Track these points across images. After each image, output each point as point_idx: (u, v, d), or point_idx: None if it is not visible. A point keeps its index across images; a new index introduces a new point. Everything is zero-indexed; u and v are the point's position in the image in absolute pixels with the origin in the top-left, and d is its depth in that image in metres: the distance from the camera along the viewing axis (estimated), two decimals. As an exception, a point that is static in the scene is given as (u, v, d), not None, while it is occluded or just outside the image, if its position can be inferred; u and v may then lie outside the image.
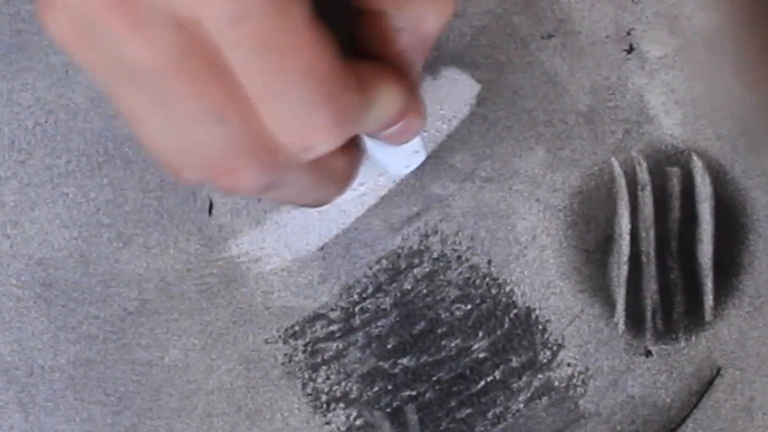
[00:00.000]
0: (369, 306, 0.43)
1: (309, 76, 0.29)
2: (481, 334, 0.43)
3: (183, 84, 0.29)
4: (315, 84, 0.29)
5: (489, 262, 0.43)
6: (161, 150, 0.31)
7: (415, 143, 0.42)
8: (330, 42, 0.29)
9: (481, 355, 0.43)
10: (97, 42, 0.28)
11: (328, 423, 0.43)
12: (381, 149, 0.39)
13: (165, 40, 0.28)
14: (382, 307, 0.43)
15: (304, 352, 0.43)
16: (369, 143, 0.38)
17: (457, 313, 0.43)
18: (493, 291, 0.43)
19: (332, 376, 0.43)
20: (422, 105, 0.36)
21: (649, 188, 0.44)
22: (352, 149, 0.35)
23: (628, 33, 0.44)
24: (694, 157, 0.44)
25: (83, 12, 0.28)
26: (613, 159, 0.44)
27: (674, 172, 0.44)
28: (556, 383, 0.43)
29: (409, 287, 0.43)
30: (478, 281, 0.43)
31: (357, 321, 0.43)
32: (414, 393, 0.43)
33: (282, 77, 0.28)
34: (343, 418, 0.43)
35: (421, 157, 0.43)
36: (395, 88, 0.33)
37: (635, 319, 0.44)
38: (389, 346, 0.43)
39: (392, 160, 0.42)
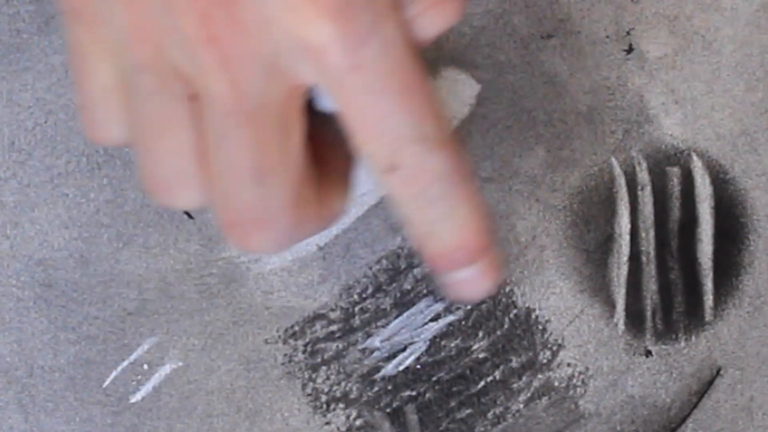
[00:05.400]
0: (369, 306, 0.43)
1: (412, 95, 0.29)
2: (480, 334, 0.43)
3: (248, 133, 0.28)
4: (419, 98, 0.29)
5: (489, 262, 0.43)
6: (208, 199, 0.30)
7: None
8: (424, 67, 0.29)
9: (481, 356, 0.43)
10: (178, 65, 0.28)
11: (328, 423, 0.43)
12: None
13: (251, 86, 0.27)
14: (382, 307, 0.43)
15: (304, 352, 0.43)
16: None
17: (457, 313, 0.43)
18: (493, 291, 0.43)
19: (332, 377, 0.43)
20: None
21: (648, 188, 0.44)
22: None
23: (628, 33, 0.44)
24: (694, 157, 0.44)
25: (178, 33, 0.27)
26: (612, 159, 0.44)
27: (674, 172, 0.44)
28: (556, 383, 0.43)
29: (409, 287, 0.43)
30: (478, 281, 0.43)
31: (357, 321, 0.43)
32: (414, 393, 0.43)
33: (388, 102, 0.28)
34: (343, 418, 0.43)
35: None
36: None
37: (635, 319, 0.44)
38: (389, 346, 0.43)
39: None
